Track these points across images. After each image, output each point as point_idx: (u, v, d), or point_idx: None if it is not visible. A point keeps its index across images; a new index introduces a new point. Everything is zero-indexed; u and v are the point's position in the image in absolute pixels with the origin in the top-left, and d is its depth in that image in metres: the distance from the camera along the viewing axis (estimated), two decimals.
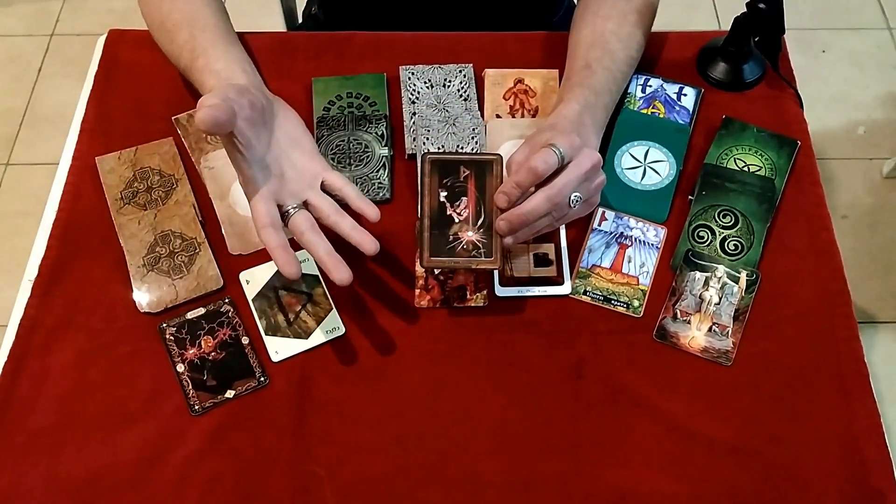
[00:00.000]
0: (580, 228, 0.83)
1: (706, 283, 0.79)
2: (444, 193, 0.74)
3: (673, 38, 0.96)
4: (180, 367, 0.75)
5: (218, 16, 0.84)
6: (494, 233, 0.73)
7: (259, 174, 0.71)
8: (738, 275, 0.79)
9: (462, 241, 0.73)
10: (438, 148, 0.85)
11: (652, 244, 0.82)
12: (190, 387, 0.74)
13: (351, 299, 0.78)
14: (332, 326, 0.77)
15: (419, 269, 0.80)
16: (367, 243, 0.71)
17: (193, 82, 0.80)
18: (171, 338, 0.76)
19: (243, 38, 0.95)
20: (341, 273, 0.69)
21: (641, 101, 0.90)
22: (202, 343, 0.76)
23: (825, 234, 0.82)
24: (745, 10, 0.86)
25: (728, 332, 0.77)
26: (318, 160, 0.76)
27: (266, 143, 0.73)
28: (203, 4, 0.84)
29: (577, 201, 0.73)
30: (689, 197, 0.84)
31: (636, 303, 0.79)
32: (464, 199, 0.74)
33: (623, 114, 0.88)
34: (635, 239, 0.82)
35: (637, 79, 0.91)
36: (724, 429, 0.72)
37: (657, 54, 0.93)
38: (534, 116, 0.89)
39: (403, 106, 0.89)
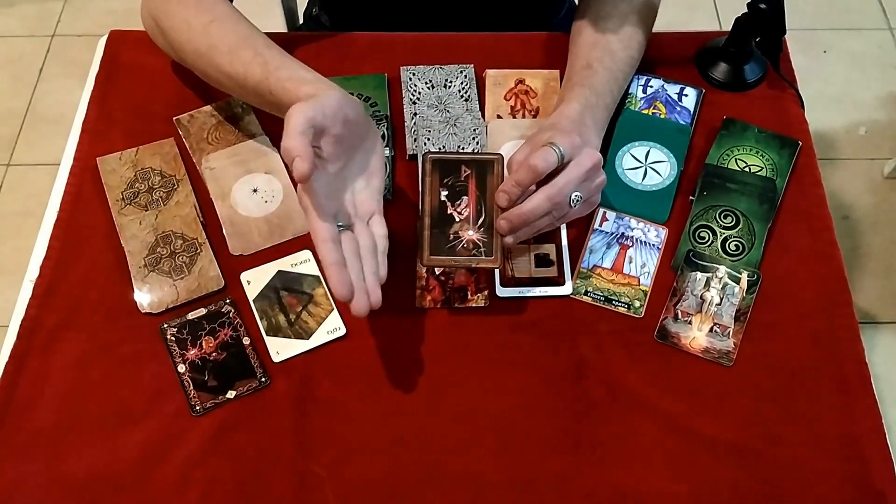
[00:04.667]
0: (581, 229, 0.83)
1: (707, 283, 0.79)
2: (444, 192, 0.74)
3: (674, 38, 0.96)
4: (181, 368, 0.75)
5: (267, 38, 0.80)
6: (495, 232, 0.73)
7: (324, 188, 0.68)
8: (739, 275, 0.79)
9: (462, 240, 0.73)
10: (439, 148, 0.85)
11: (653, 245, 0.82)
12: (191, 387, 0.74)
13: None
14: (333, 327, 0.77)
15: (420, 270, 0.80)
16: (373, 295, 0.67)
17: (270, 95, 0.74)
18: (173, 338, 0.76)
19: None
20: (361, 304, 0.66)
21: (642, 102, 0.90)
22: (203, 343, 0.76)
23: (826, 234, 0.82)
24: (746, 10, 0.86)
25: (729, 333, 0.77)
26: (377, 200, 0.72)
27: (343, 162, 0.71)
28: (252, 26, 0.80)
29: (577, 201, 0.73)
30: (690, 197, 0.84)
31: (637, 303, 0.79)
32: (464, 198, 0.74)
33: (624, 114, 0.88)
34: (636, 239, 0.82)
35: (638, 79, 0.91)
36: (725, 429, 0.72)
37: (658, 55, 0.93)
38: (535, 117, 0.89)
39: (404, 106, 0.89)
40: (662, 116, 0.89)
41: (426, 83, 0.91)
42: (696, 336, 0.77)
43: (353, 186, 0.72)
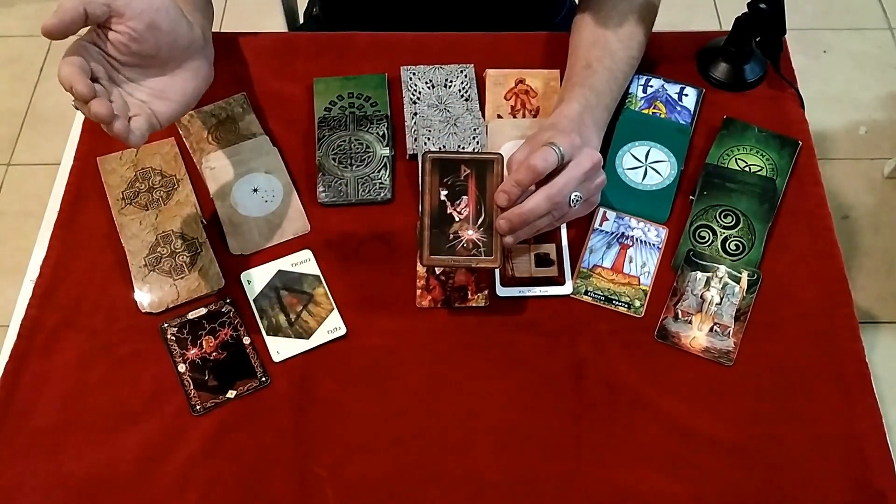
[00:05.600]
0: (581, 228, 0.83)
1: (707, 283, 0.79)
2: (444, 192, 0.74)
3: (674, 38, 0.96)
4: (182, 368, 0.75)
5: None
6: (495, 232, 0.73)
7: (96, 58, 0.63)
8: (739, 275, 0.79)
9: (462, 240, 0.73)
10: (440, 148, 0.85)
11: (653, 244, 0.82)
12: (191, 387, 0.74)
13: (352, 299, 0.78)
14: (333, 326, 0.77)
15: (420, 269, 0.80)
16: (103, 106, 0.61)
17: None
18: (173, 338, 0.76)
19: (244, 38, 0.95)
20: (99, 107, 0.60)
21: (643, 102, 0.90)
22: (203, 343, 0.76)
23: (826, 234, 0.82)
24: (746, 10, 0.86)
25: (729, 333, 0.77)
26: (147, 118, 0.66)
27: (132, 66, 0.66)
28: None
29: (577, 201, 0.73)
30: (691, 197, 0.84)
31: (637, 303, 0.79)
32: (464, 197, 0.74)
33: (624, 114, 0.88)
34: (636, 239, 0.82)
35: (638, 79, 0.91)
36: (725, 429, 0.72)
37: (658, 54, 0.93)
38: (535, 117, 0.89)
39: (404, 106, 0.89)
40: (662, 116, 0.89)
41: (426, 83, 0.91)
42: (696, 336, 0.77)
43: (137, 94, 0.67)
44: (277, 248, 0.81)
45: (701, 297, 0.78)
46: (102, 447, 0.71)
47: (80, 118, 0.89)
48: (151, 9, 0.65)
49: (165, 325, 0.77)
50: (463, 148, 0.86)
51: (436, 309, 0.78)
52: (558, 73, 0.91)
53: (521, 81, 0.91)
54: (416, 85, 0.90)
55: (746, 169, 0.85)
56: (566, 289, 0.79)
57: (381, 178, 0.84)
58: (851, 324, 0.77)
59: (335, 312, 0.78)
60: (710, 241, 0.81)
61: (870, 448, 0.71)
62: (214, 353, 0.76)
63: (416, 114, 0.88)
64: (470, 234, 0.73)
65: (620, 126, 0.88)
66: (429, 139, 0.86)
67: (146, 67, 0.68)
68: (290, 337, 0.76)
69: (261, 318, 0.77)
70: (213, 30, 0.83)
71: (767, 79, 0.92)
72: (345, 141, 0.87)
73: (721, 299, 0.78)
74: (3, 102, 1.94)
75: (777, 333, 0.77)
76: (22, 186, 1.82)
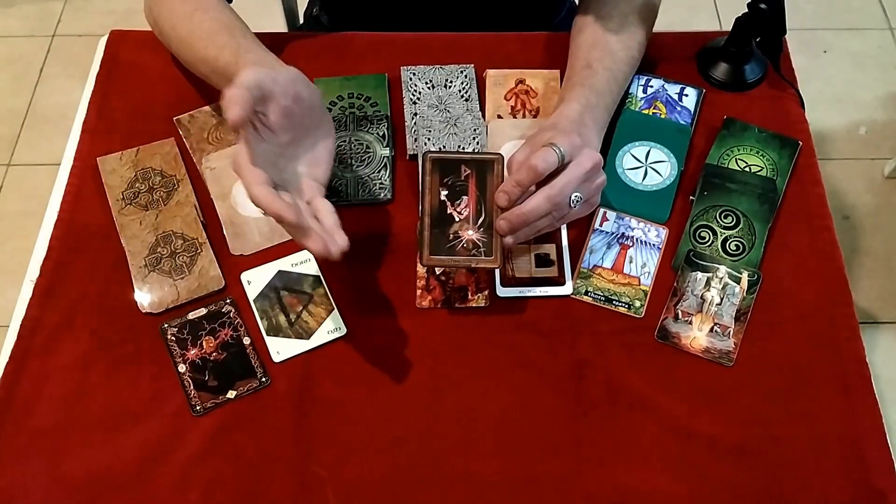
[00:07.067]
0: (581, 229, 0.83)
1: (707, 283, 0.79)
2: (444, 192, 0.74)
3: (674, 38, 0.96)
4: (182, 368, 0.75)
5: (246, 27, 0.83)
6: (495, 232, 0.73)
7: (268, 157, 0.66)
8: (739, 275, 0.79)
9: (462, 240, 0.73)
10: (440, 148, 0.85)
11: (653, 244, 0.82)
12: (191, 387, 0.74)
13: (352, 300, 0.78)
14: (333, 327, 0.77)
15: (420, 270, 0.80)
16: (337, 239, 0.64)
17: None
18: (173, 338, 0.76)
19: None
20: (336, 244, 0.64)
21: (643, 102, 0.90)
22: (203, 343, 0.76)
23: (826, 234, 0.82)
24: (746, 10, 0.86)
25: (729, 333, 0.77)
26: (317, 189, 0.70)
27: (291, 139, 0.69)
28: (235, 16, 0.84)
29: (577, 201, 0.73)
30: (691, 197, 0.84)
31: (637, 303, 0.79)
32: (464, 198, 0.74)
33: (624, 114, 0.88)
34: (637, 239, 0.82)
35: (638, 79, 0.91)
36: (725, 429, 0.72)
37: (658, 55, 0.93)
38: (535, 117, 0.89)
39: (405, 106, 0.89)
40: (663, 116, 0.89)
41: (426, 83, 0.91)
42: (696, 336, 0.77)
43: (297, 168, 0.71)
44: (277, 248, 0.81)
45: (701, 297, 0.78)
46: (102, 447, 0.71)
47: (79, 118, 0.89)
48: (292, 79, 0.68)
49: (165, 325, 0.77)
50: (463, 148, 0.86)
51: (436, 309, 0.78)
52: (558, 74, 0.91)
53: (522, 81, 0.91)
54: (416, 85, 0.90)
55: (746, 169, 0.85)
56: (566, 289, 0.79)
57: (381, 179, 0.84)
58: (851, 324, 0.77)
59: (335, 312, 0.78)
60: (710, 242, 0.81)
61: (870, 448, 0.71)
62: (214, 354, 0.76)
63: (416, 114, 0.88)
64: (470, 234, 0.73)
65: (620, 126, 0.88)
66: (429, 139, 0.86)
67: (297, 142, 0.70)
68: (290, 337, 0.76)
69: (261, 319, 0.77)
70: None
71: (767, 79, 0.92)
72: (345, 141, 0.87)
73: (721, 299, 0.78)
74: (3, 102, 1.94)
75: (777, 333, 0.77)
76: (22, 187, 1.82)
